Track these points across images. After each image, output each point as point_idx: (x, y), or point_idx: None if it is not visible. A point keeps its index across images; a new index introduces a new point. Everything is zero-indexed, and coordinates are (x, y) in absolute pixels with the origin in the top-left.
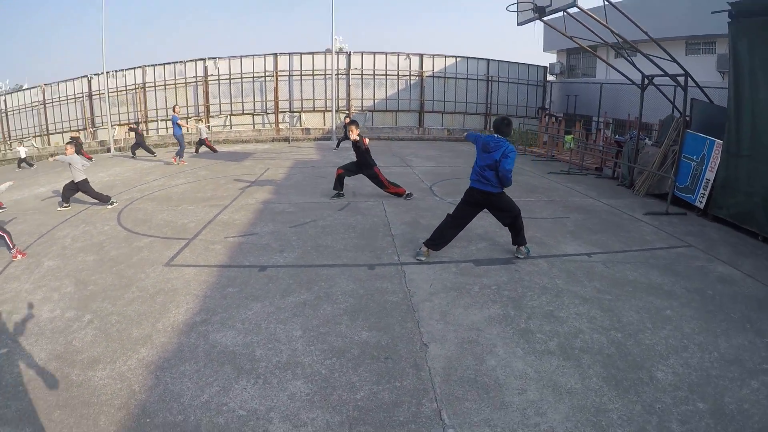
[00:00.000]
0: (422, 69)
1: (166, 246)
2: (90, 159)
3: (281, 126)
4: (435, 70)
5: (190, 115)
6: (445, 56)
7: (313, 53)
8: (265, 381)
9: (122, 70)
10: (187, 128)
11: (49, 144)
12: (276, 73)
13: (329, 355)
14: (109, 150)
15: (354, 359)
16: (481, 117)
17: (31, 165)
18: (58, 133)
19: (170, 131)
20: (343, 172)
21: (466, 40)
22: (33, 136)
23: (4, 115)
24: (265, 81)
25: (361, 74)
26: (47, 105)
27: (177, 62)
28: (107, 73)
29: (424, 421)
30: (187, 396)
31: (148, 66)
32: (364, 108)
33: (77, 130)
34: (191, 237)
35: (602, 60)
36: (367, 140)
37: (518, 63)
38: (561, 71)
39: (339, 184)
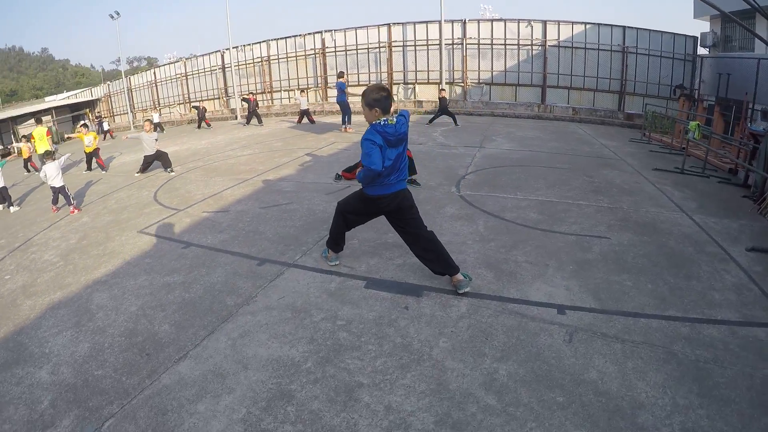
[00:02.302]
0: (545, 38)
1: (158, 215)
2: (209, 125)
3: (395, 98)
4: (560, 39)
5: (309, 86)
6: (573, 23)
7: (426, 22)
8: (82, 330)
9: (249, 44)
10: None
11: (190, 111)
12: (390, 43)
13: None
14: (236, 118)
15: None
16: (614, 96)
17: (162, 130)
18: (198, 101)
19: (291, 101)
20: None
21: (597, 3)
22: (177, 104)
23: (154, 85)
24: (379, 52)
25: (478, 44)
26: (188, 76)
27: (297, 36)
28: (236, 47)
29: None
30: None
31: (272, 40)
32: (480, 81)
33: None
34: (182, 208)
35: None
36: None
37: (661, 32)
38: (714, 43)
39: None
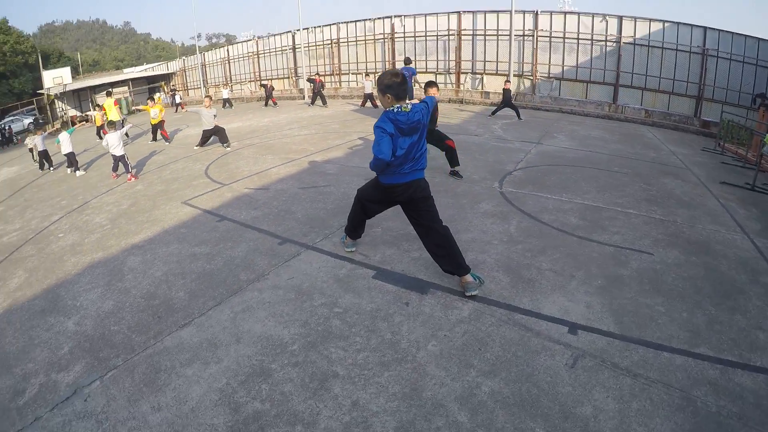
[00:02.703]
0: (620, 34)
1: (204, 188)
2: (275, 103)
3: (461, 87)
4: (636, 37)
5: (377, 71)
6: (650, 20)
7: (497, 12)
8: (111, 289)
9: (320, 26)
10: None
11: (258, 89)
12: (459, 31)
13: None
14: (303, 98)
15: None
16: (691, 101)
17: (231, 106)
18: (267, 79)
19: (359, 84)
20: None
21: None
22: (248, 81)
23: (227, 62)
24: (448, 40)
25: (550, 36)
26: (260, 55)
27: (366, 20)
28: (306, 29)
29: None
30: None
31: (342, 23)
32: (550, 75)
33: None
34: (227, 183)
35: None
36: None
37: (745, 35)
38: None
39: None
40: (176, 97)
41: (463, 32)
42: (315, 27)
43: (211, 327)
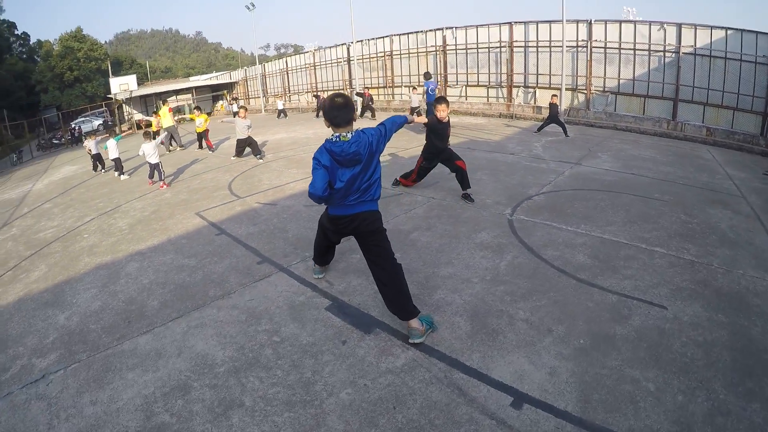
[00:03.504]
0: (679, 43)
1: (220, 200)
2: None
3: (514, 102)
4: (696, 46)
5: None
6: (711, 27)
7: (549, 22)
8: (103, 291)
9: (373, 38)
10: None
11: (316, 98)
12: (511, 43)
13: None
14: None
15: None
16: (757, 117)
17: (286, 116)
18: (320, 91)
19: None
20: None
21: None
22: (305, 92)
23: (285, 73)
24: (500, 52)
25: (605, 47)
26: (316, 66)
27: (419, 32)
28: (360, 41)
29: None
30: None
31: (395, 35)
32: (606, 89)
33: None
34: (243, 197)
35: None
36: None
37: None
38: None
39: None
40: (233, 106)
41: (514, 44)
42: (369, 39)
43: (164, 338)
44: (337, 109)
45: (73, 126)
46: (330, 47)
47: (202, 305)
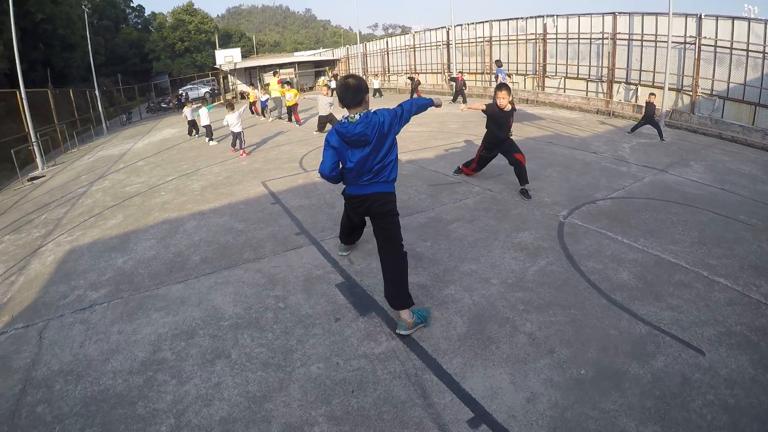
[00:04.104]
0: None
1: (287, 171)
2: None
3: (613, 98)
4: None
5: (527, 73)
6: None
7: (656, 14)
8: (160, 243)
9: (473, 23)
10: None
11: (411, 80)
12: (614, 35)
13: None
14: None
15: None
16: None
17: (381, 95)
18: (422, 73)
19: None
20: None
21: None
22: (403, 73)
23: (386, 53)
24: (602, 44)
25: (715, 45)
26: (416, 48)
27: (519, 18)
28: (460, 25)
29: None
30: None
31: (495, 21)
32: (713, 92)
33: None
34: (309, 170)
35: None
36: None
37: None
38: None
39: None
40: (331, 83)
41: (618, 36)
42: (469, 24)
43: (192, 289)
44: (345, 90)
45: (180, 92)
46: (430, 30)
47: (234, 265)
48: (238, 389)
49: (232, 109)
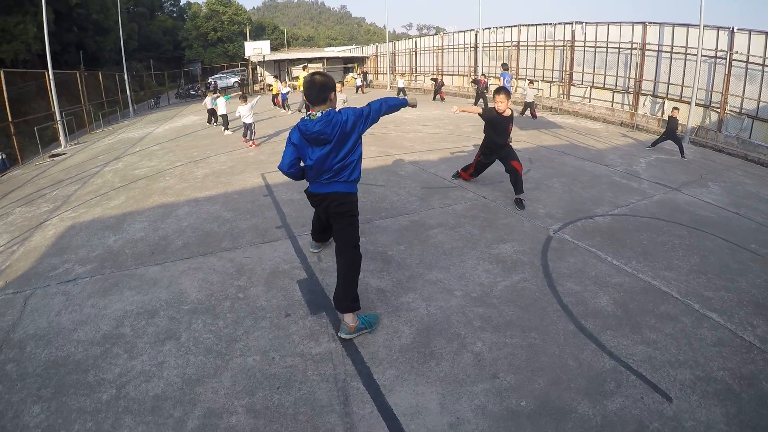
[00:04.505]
0: None
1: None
2: (443, 99)
3: (639, 111)
4: None
5: (553, 80)
6: None
7: (687, 26)
8: (151, 226)
9: (501, 27)
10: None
11: (434, 81)
12: (643, 45)
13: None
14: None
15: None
16: None
17: (405, 94)
18: (448, 75)
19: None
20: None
21: None
22: (430, 75)
23: (414, 53)
24: (631, 54)
25: (746, 61)
26: (444, 50)
27: (547, 24)
28: (488, 29)
29: None
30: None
31: (523, 26)
32: (742, 111)
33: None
34: None
35: None
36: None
37: None
38: None
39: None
40: (357, 80)
41: (647, 47)
42: (497, 27)
43: (167, 272)
44: (311, 87)
45: (210, 80)
46: (458, 32)
47: (210, 253)
48: (178, 370)
49: (245, 100)
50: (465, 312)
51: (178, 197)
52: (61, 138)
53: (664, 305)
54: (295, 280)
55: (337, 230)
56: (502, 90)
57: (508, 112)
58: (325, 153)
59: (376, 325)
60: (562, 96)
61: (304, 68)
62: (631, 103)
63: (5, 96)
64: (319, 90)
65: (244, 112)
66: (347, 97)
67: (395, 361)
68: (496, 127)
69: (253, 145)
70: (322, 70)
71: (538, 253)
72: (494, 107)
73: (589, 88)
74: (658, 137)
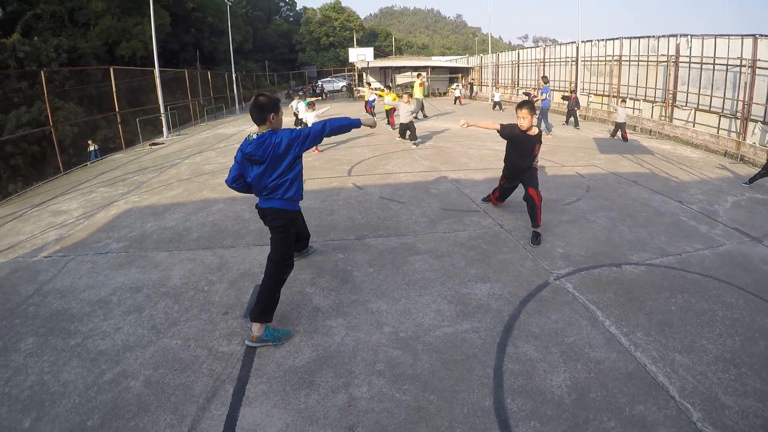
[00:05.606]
0: None
1: (328, 173)
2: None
3: (747, 139)
4: None
5: (656, 100)
6: None
7: None
8: (186, 217)
9: (602, 40)
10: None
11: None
12: (754, 62)
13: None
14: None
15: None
16: None
17: (501, 108)
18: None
19: (635, 112)
20: (504, 182)
21: None
22: (532, 88)
23: (516, 65)
24: (740, 72)
25: None
26: (546, 63)
27: (650, 37)
28: (590, 41)
29: None
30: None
31: (625, 38)
32: None
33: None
34: (351, 175)
35: None
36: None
37: None
38: None
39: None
40: (458, 90)
41: (758, 63)
42: (598, 40)
43: (171, 258)
44: (253, 108)
45: (318, 83)
46: (560, 44)
47: (210, 247)
48: (125, 336)
49: (313, 108)
50: (377, 351)
51: (221, 194)
52: (164, 129)
53: (644, 406)
54: (255, 284)
55: (271, 242)
56: (525, 104)
57: (534, 131)
58: (260, 172)
59: (283, 340)
60: (663, 118)
61: (418, 75)
62: (738, 130)
63: (114, 90)
64: (259, 111)
65: (311, 119)
66: (415, 107)
67: (274, 379)
68: (519, 146)
69: (317, 151)
70: (265, 92)
71: (516, 301)
72: (516, 124)
73: (693, 110)
74: (758, 171)
